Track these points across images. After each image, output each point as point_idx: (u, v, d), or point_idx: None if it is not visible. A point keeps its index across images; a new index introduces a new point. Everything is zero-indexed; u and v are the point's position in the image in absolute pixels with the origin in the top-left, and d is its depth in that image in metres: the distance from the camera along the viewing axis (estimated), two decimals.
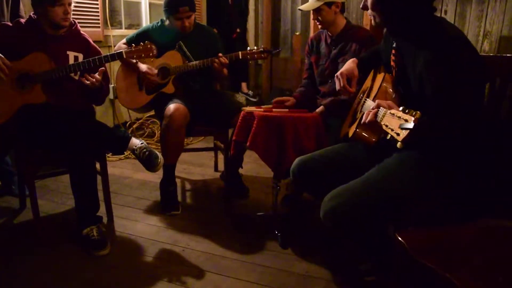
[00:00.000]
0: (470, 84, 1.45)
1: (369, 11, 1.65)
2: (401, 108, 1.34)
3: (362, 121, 1.56)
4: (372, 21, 1.69)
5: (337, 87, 1.98)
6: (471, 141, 1.51)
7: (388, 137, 1.36)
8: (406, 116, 1.30)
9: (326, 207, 1.63)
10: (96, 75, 2.28)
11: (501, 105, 1.76)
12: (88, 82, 2.26)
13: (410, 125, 1.25)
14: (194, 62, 2.70)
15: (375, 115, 1.49)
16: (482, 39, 2.91)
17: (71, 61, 2.35)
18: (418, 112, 1.27)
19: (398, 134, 1.30)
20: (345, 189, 1.63)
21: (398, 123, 1.31)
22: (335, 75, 1.99)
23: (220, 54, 2.66)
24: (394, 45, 1.70)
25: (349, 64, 2.01)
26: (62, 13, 2.22)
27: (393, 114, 1.37)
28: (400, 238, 1.37)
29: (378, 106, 1.49)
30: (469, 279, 1.18)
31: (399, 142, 1.29)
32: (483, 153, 1.52)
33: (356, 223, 1.60)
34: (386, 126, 1.38)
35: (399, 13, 1.56)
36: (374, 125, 1.51)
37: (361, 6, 1.69)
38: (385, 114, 1.42)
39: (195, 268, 2.11)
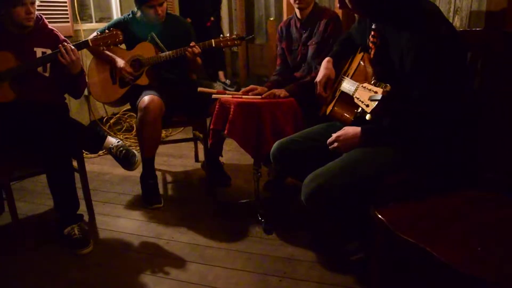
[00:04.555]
0: (447, 63, 1.46)
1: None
2: (372, 82, 1.36)
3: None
4: (338, 4, 1.68)
5: (316, 92, 2.04)
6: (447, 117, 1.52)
7: (359, 110, 1.38)
8: (376, 88, 1.32)
9: (307, 190, 1.64)
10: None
11: (473, 78, 1.78)
12: (63, 59, 2.19)
13: (379, 96, 1.27)
14: (166, 53, 2.66)
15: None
16: (453, 15, 2.92)
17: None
18: (388, 85, 1.29)
19: (367, 106, 1.32)
20: (323, 170, 1.63)
21: (369, 95, 1.33)
22: (314, 81, 2.05)
23: (193, 43, 2.62)
24: (373, 26, 1.69)
25: (325, 67, 2.03)
26: (24, 13, 2.15)
27: (365, 87, 1.39)
28: (379, 216, 1.39)
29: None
30: (449, 251, 1.20)
31: (368, 114, 1.31)
32: (456, 126, 1.53)
33: (337, 203, 1.61)
34: (358, 99, 1.40)
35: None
36: (350, 102, 1.52)
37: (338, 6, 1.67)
38: (358, 87, 1.44)
39: (180, 260, 2.10)
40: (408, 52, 1.48)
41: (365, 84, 1.39)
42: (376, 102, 1.28)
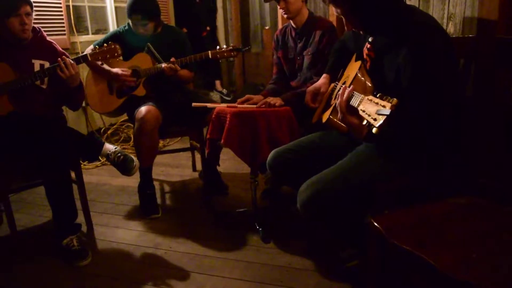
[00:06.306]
0: (445, 75, 1.47)
1: (343, 18, 1.64)
2: (378, 95, 1.36)
3: (337, 102, 1.58)
4: (346, 27, 1.72)
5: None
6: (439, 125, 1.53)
7: (364, 122, 1.37)
8: (384, 103, 1.31)
9: (302, 197, 1.65)
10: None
11: (466, 84, 1.80)
12: (62, 74, 2.20)
13: (387, 111, 1.27)
14: (162, 64, 2.67)
15: (348, 100, 1.51)
16: (447, 22, 2.94)
17: (37, 69, 2.29)
18: (395, 99, 1.29)
19: (375, 120, 1.31)
20: (319, 178, 1.64)
21: (376, 109, 1.32)
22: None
23: (173, 59, 2.63)
24: (370, 40, 1.71)
25: (320, 81, 2.11)
26: (18, 24, 2.16)
27: (371, 100, 1.38)
28: (375, 224, 1.39)
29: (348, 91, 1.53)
30: (445, 258, 1.21)
31: (375, 128, 1.30)
32: (448, 133, 1.54)
33: (331, 211, 1.62)
34: (363, 111, 1.39)
35: (373, 12, 1.56)
36: (349, 111, 1.53)
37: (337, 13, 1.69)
38: (362, 99, 1.43)
39: (179, 270, 2.10)
40: (405, 67, 1.49)
41: (371, 97, 1.38)
42: (385, 117, 1.27)
